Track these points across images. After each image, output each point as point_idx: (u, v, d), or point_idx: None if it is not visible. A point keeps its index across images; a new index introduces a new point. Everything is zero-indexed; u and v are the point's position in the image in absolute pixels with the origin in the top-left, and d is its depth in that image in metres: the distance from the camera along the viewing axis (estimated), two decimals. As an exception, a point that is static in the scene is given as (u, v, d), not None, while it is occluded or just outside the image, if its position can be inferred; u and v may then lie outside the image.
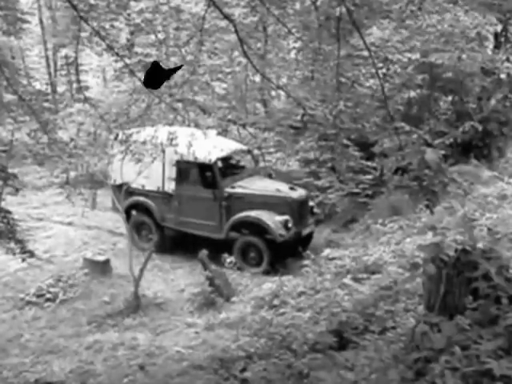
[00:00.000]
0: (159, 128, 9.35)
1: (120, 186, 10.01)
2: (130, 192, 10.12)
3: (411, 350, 3.57)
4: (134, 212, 10.23)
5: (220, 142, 10.37)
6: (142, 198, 10.32)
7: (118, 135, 8.81)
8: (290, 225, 9.37)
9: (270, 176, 10.84)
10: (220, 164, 10.04)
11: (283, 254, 9.36)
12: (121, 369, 5.97)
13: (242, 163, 10.95)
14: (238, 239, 9.61)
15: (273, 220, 9.34)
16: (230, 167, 10.50)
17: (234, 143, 11.07)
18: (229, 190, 9.78)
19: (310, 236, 10.15)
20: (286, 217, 9.38)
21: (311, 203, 10.22)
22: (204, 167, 9.74)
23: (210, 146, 9.69)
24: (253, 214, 9.49)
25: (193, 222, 9.93)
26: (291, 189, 9.88)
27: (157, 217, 10.28)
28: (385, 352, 3.92)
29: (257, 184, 10.11)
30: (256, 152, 11.84)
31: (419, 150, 4.36)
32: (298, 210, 9.68)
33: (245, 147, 11.17)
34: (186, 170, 9.94)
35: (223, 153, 9.98)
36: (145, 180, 9.92)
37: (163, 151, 9.35)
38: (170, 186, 10.13)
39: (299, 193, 9.88)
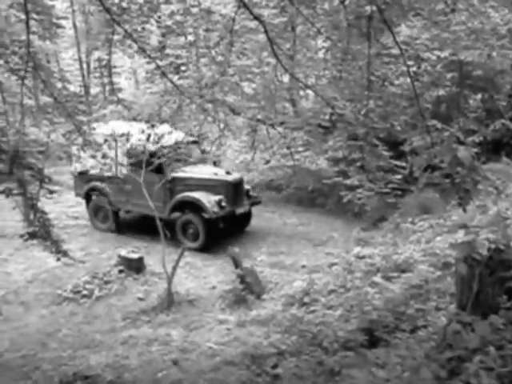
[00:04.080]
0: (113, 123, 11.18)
1: (81, 174, 11.72)
2: (90, 178, 11.70)
3: (443, 348, 3.57)
4: (93, 196, 11.75)
5: (168, 133, 10.78)
6: (99, 183, 11.67)
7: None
8: (223, 204, 10.60)
9: (214, 164, 12.29)
10: (166, 152, 10.71)
11: (218, 231, 10.70)
12: (155, 363, 6.07)
13: (193, 153, 12.04)
14: (179, 217, 10.88)
15: (208, 199, 10.56)
16: (176, 155, 11.28)
17: (182, 134, 11.59)
18: (173, 174, 11.04)
19: (247, 216, 11.60)
20: (220, 196, 10.63)
21: (247, 187, 11.61)
22: (151, 155, 10.37)
23: (158, 136, 10.22)
24: (191, 194, 10.79)
25: (142, 204, 10.70)
26: (227, 173, 11.31)
27: (111, 200, 11.59)
28: (417, 351, 3.92)
29: (198, 169, 11.46)
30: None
31: (451, 147, 4.35)
32: (233, 192, 10.99)
33: (192, 138, 11.95)
34: (136, 157, 10.61)
35: (169, 142, 10.59)
36: (102, 166, 10.82)
37: (116, 141, 10.64)
38: (123, 172, 11.25)
39: (234, 176, 11.30)
